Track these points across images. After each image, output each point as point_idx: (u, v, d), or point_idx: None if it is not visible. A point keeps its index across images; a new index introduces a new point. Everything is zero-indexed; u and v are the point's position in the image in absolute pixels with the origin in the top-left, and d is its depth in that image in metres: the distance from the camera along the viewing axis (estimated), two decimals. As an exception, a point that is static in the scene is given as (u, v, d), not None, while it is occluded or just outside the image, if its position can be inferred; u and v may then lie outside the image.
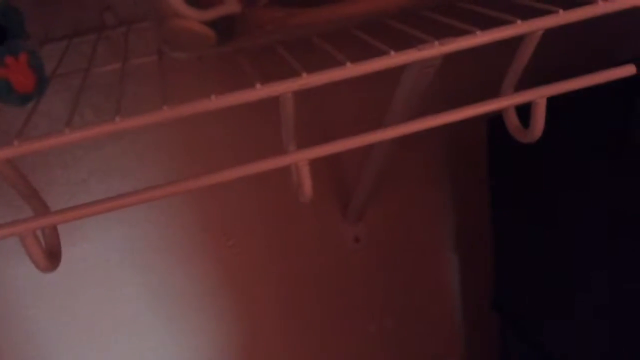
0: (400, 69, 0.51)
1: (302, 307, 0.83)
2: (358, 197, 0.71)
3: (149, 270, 0.74)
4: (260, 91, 0.38)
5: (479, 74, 0.66)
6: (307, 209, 0.77)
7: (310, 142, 0.42)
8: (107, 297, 0.73)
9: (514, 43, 0.44)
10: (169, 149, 0.67)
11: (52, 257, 0.41)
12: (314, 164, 0.41)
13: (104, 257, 0.71)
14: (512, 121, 0.49)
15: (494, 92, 0.47)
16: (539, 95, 0.44)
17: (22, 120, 0.41)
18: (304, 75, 0.38)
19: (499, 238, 0.78)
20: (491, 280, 0.82)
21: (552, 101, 0.45)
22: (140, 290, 0.74)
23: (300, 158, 0.40)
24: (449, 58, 0.44)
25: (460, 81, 0.70)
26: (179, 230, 0.73)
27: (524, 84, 0.46)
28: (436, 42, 0.40)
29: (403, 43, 0.41)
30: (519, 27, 0.41)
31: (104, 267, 0.71)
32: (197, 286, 0.77)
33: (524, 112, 0.47)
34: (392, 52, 0.39)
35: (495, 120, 0.56)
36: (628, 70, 0.45)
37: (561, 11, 0.41)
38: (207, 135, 0.68)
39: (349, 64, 0.38)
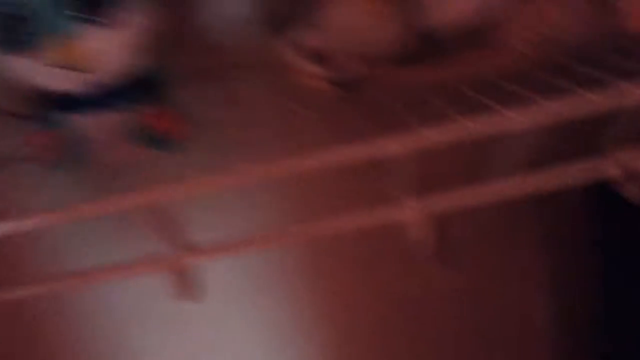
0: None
1: (393, 345, 0.83)
2: (454, 239, 0.72)
3: (257, 305, 0.78)
4: (381, 148, 0.41)
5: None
6: (405, 256, 0.78)
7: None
8: (213, 330, 0.78)
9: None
10: (283, 191, 0.71)
11: (191, 288, 0.45)
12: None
13: (216, 292, 0.76)
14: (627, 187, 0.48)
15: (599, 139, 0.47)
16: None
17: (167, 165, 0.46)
18: (424, 132, 0.40)
19: (606, 289, 0.75)
20: (592, 334, 0.78)
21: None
22: (249, 323, 0.79)
23: (422, 211, 0.42)
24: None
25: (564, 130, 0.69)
26: (284, 267, 0.77)
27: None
28: (548, 104, 0.41)
29: (513, 102, 0.42)
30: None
31: (215, 300, 0.76)
32: (297, 320, 0.81)
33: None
34: (510, 113, 0.41)
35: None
36: None
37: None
38: (322, 179, 0.70)
39: (470, 124, 0.40)
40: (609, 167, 0.45)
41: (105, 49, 0.40)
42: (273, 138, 0.50)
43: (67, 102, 0.43)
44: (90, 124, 0.45)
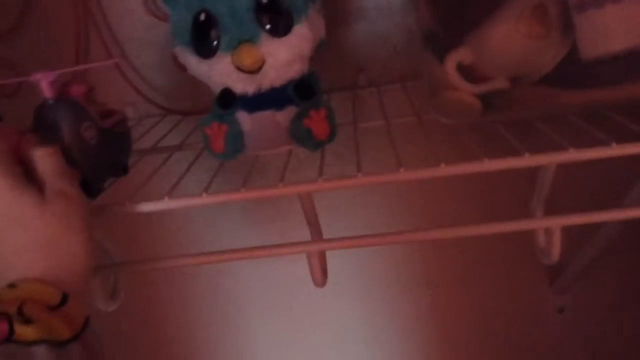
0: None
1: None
2: (572, 268, 0.72)
3: (360, 309, 0.83)
4: (528, 160, 0.43)
5: None
6: (512, 270, 0.79)
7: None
8: (319, 316, 0.84)
9: None
10: (408, 198, 0.75)
11: (324, 275, 0.50)
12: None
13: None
14: None
15: None
16: None
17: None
18: (571, 150, 0.42)
19: None
20: None
21: None
22: (356, 316, 0.84)
23: (555, 224, 0.44)
24: None
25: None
26: (388, 278, 0.81)
27: None
28: None
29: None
30: None
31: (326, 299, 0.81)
32: (398, 327, 0.83)
33: None
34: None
35: None
36: None
37: None
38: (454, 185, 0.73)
39: (614, 145, 0.42)
40: None
41: (280, 56, 0.46)
42: (413, 147, 0.53)
43: (239, 100, 0.50)
44: (253, 120, 0.50)
